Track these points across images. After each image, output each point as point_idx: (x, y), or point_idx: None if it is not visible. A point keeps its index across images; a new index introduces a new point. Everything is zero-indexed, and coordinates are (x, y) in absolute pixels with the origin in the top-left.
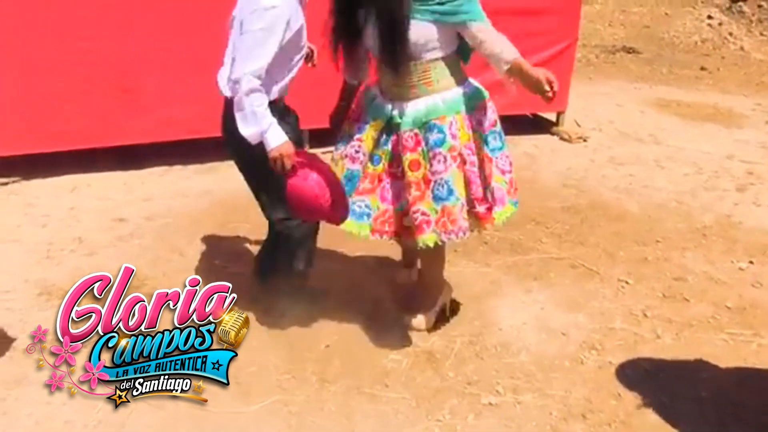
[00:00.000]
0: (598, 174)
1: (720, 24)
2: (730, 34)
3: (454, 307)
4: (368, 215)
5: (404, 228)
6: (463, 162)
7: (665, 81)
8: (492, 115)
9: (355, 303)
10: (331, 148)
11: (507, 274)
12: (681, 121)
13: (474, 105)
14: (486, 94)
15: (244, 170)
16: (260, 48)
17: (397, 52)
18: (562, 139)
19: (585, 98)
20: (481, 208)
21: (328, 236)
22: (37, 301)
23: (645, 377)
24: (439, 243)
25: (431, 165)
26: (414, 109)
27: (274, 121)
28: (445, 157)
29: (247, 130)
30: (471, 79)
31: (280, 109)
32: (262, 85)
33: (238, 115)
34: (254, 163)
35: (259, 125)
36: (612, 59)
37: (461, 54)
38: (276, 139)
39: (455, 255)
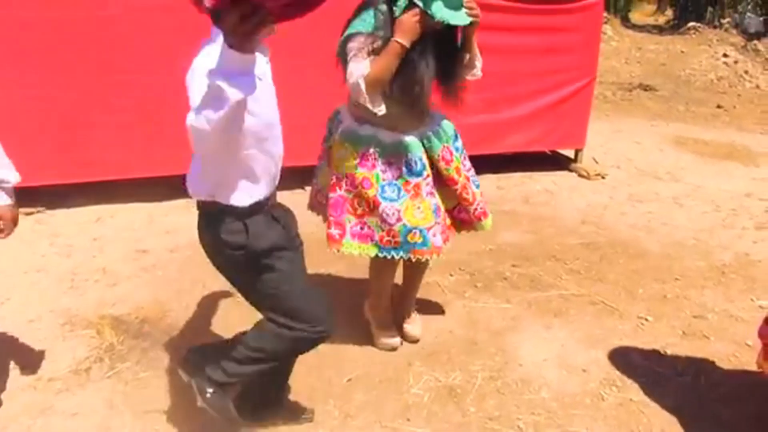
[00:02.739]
0: (616, 211)
1: (735, 62)
2: (746, 72)
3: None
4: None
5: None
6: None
7: (682, 118)
8: None
9: None
10: None
11: (527, 309)
12: (699, 159)
13: None
14: None
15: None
16: None
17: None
18: (580, 176)
19: (603, 135)
20: None
21: (352, 269)
22: (61, 331)
23: (666, 415)
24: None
25: (464, 166)
26: (436, 129)
27: None
28: (467, 155)
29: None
30: None
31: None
32: None
33: None
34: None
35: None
36: (629, 96)
37: None
38: None
39: (476, 291)
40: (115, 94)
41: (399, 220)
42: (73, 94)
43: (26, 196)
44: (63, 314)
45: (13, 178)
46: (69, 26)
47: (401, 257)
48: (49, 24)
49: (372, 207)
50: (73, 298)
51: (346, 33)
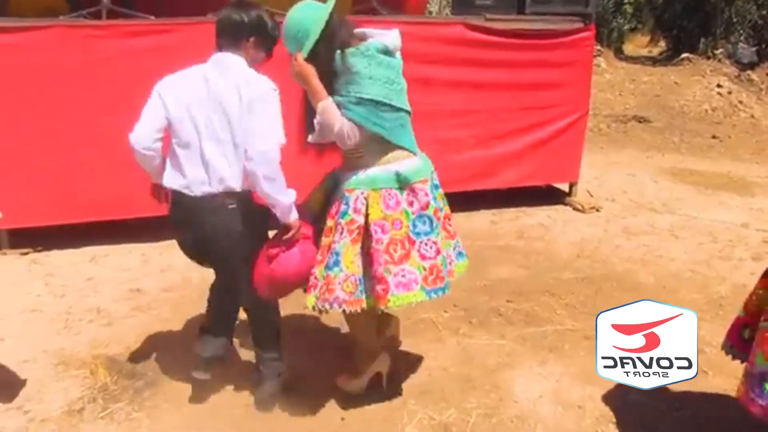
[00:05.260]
0: (611, 244)
1: (729, 92)
2: (740, 102)
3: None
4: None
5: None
6: (368, 238)
7: (677, 149)
8: (425, 198)
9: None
10: None
11: (522, 345)
12: (694, 190)
13: (406, 184)
14: (424, 176)
15: (233, 264)
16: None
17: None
18: (575, 209)
19: (598, 168)
20: (378, 288)
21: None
22: (55, 371)
23: None
24: (317, 308)
25: (334, 235)
26: (345, 179)
27: None
28: (342, 228)
29: (288, 198)
30: (418, 158)
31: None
32: None
33: (275, 187)
34: (245, 252)
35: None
36: (624, 128)
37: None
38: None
39: (470, 327)
40: (108, 135)
41: None
42: (67, 136)
43: (22, 237)
44: (57, 354)
45: None
46: (61, 68)
47: None
48: (41, 67)
49: None
50: (67, 338)
51: None
